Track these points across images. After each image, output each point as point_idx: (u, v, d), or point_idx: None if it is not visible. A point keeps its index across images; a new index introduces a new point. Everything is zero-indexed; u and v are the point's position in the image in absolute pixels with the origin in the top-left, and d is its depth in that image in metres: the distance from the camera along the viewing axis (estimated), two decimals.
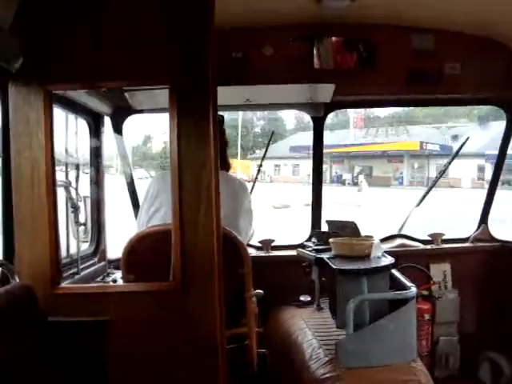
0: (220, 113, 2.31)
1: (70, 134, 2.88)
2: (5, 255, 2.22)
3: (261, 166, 4.59)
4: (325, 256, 2.73)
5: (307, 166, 23.37)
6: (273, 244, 3.68)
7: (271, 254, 3.63)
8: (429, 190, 3.99)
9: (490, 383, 3.48)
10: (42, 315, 2.06)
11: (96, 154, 3.30)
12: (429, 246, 3.77)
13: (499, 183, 3.79)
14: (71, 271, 2.75)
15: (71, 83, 2.19)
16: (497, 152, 3.69)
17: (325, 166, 4.13)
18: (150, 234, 2.55)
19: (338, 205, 12.46)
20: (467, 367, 3.58)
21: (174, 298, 2.14)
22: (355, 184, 25.27)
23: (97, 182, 3.29)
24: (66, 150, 2.86)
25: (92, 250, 3.28)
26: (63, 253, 2.66)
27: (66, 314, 2.13)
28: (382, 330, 2.36)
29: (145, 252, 2.51)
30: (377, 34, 3.20)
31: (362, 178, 25.31)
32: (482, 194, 3.83)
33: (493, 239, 3.78)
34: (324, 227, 3.40)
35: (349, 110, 23.44)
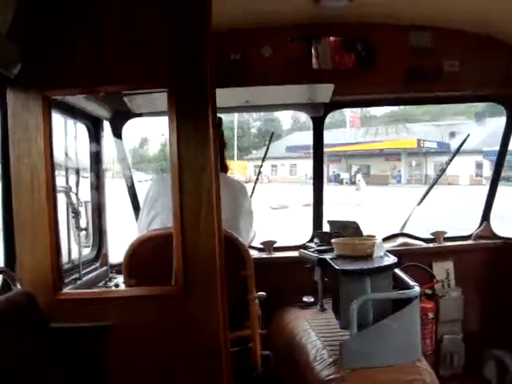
0: (218, 115, 2.30)
1: (69, 138, 2.87)
2: (6, 262, 2.21)
3: (261, 167, 4.55)
4: (327, 256, 2.72)
5: (304, 165, 23.41)
6: (275, 245, 3.66)
7: (273, 256, 3.62)
8: (430, 188, 3.98)
9: (495, 381, 3.46)
10: (43, 321, 2.05)
11: (96, 158, 3.29)
12: (431, 245, 3.77)
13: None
14: (73, 277, 2.74)
15: (70, 88, 2.18)
16: (494, 148, 3.68)
17: None
18: (152, 237, 2.53)
19: (337, 205, 12.41)
20: (472, 365, 3.58)
21: (176, 302, 2.13)
22: (353, 183, 25.26)
23: (97, 187, 3.28)
24: (66, 155, 2.85)
25: (94, 255, 3.27)
26: (65, 258, 2.64)
27: (68, 320, 2.12)
28: (386, 329, 2.35)
29: (146, 256, 2.49)
30: (375, 34, 3.19)
31: (359, 176, 25.30)
32: (481, 191, 3.82)
33: (495, 236, 3.78)
34: (326, 227, 3.39)
35: (345, 109, 23.45)
